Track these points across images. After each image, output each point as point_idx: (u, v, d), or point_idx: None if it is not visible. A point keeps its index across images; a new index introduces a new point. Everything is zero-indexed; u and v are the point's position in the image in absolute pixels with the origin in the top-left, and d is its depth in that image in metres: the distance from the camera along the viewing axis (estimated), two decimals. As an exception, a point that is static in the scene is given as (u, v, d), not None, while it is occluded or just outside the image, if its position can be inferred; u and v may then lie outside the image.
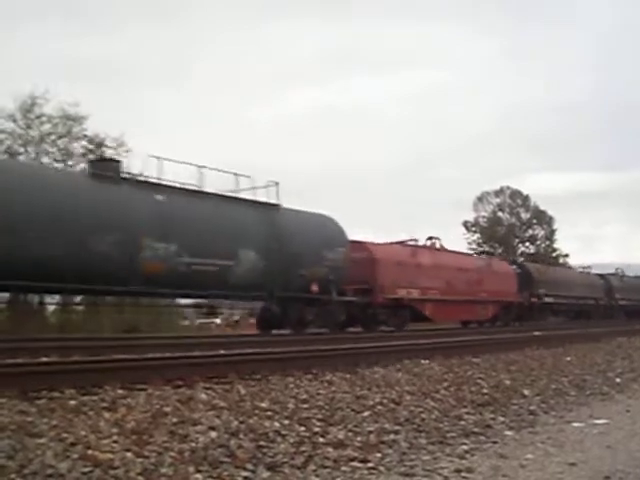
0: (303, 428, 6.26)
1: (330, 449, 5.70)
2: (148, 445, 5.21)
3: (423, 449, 6.09)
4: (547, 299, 42.38)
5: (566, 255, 71.70)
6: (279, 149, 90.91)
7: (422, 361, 12.28)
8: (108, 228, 19.14)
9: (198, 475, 4.75)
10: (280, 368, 10.14)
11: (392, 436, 6.37)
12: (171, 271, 20.52)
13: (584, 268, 54.64)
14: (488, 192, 72.09)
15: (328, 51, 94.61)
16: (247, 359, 11.16)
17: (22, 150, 32.99)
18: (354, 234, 28.24)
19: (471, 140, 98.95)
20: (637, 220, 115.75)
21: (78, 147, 34.49)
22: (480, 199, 71.90)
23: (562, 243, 79.04)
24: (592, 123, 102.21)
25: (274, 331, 24.37)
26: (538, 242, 72.80)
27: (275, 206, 24.76)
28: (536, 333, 24.43)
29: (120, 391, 7.57)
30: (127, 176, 21.05)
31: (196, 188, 22.29)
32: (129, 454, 4.95)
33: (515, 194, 72.42)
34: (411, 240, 32.23)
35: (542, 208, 72.45)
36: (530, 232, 73.30)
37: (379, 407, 7.58)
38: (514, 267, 41.76)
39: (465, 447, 6.27)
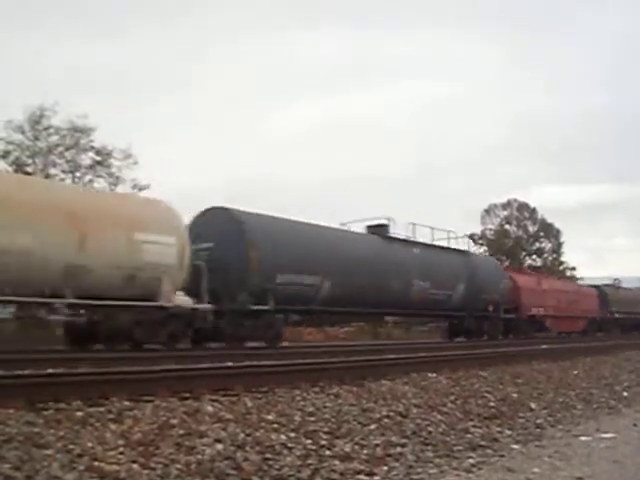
0: (309, 441, 6.25)
1: (337, 462, 5.69)
2: (154, 457, 5.22)
3: (430, 462, 6.08)
4: (617, 315, 52.18)
5: (573, 268, 71.60)
6: (283, 160, 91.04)
7: (429, 374, 12.25)
8: (393, 271, 29.17)
9: (204, 487, 4.75)
10: (287, 380, 10.12)
11: (399, 449, 6.36)
12: (425, 299, 31.28)
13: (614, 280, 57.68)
14: (495, 205, 72.10)
15: (334, 62, 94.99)
16: (254, 371, 11.16)
17: (30, 161, 33.11)
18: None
19: (478, 152, 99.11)
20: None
21: (86, 159, 34.62)
22: (487, 212, 71.88)
23: (570, 256, 78.90)
24: (600, 135, 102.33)
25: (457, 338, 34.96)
26: (545, 255, 72.69)
27: (467, 252, 36.48)
28: (543, 346, 24.37)
29: (126, 403, 7.57)
30: (394, 236, 30.80)
31: (429, 242, 32.76)
32: (135, 466, 4.96)
33: (522, 207, 72.35)
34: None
35: (549, 221, 72.42)
36: (537, 245, 73.20)
37: (386, 420, 7.56)
38: (595, 290, 51.01)
39: (472, 460, 6.26)
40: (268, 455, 5.64)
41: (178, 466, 5.07)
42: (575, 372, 14.72)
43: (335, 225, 29.04)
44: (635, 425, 8.85)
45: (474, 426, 7.82)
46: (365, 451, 6.12)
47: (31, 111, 32.80)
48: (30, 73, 62.99)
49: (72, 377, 9.38)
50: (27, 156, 33.10)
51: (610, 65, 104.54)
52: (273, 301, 22.43)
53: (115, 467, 4.89)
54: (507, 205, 72.36)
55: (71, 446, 5.30)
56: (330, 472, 5.44)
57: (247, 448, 5.76)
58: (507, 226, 72.45)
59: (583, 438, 7.71)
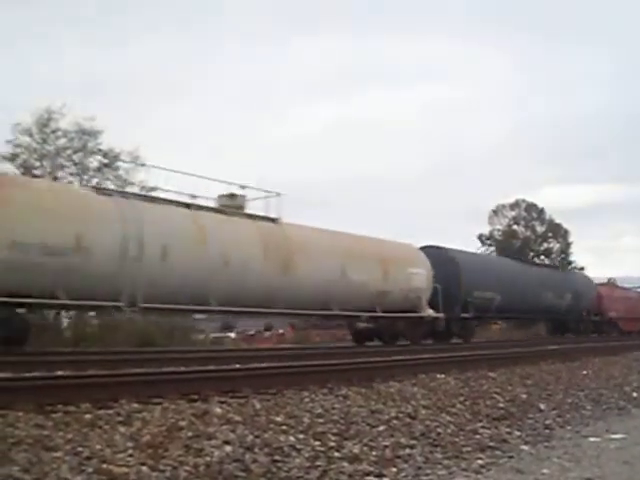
0: (318, 442, 6.24)
1: (345, 463, 5.68)
2: (163, 459, 5.22)
3: (439, 464, 6.07)
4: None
5: (582, 268, 71.40)
6: (293, 162, 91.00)
7: (438, 375, 12.23)
8: (535, 286, 38.33)
9: (213, 489, 4.75)
10: (295, 382, 10.12)
11: (408, 450, 6.36)
12: (551, 305, 40.50)
13: None
14: (504, 205, 71.97)
15: (343, 65, 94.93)
16: (262, 373, 11.16)
17: (38, 164, 33.18)
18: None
19: (486, 153, 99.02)
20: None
21: (93, 161, 34.67)
22: (495, 212, 71.74)
23: (578, 256, 78.67)
24: (608, 135, 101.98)
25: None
26: (553, 255, 72.50)
27: (571, 270, 48.90)
28: (552, 347, 24.32)
29: (135, 405, 7.57)
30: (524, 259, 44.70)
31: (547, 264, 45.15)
32: (144, 468, 4.96)
33: (530, 207, 72.20)
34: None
35: (557, 221, 72.26)
36: (545, 245, 73.04)
37: (394, 421, 7.56)
38: None
39: (481, 462, 6.25)
40: (277, 457, 5.64)
41: (187, 468, 5.07)
42: (584, 372, 14.69)
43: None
44: (645, 426, 8.82)
45: (483, 427, 7.81)
46: (374, 452, 6.11)
47: (39, 114, 32.87)
48: (38, 76, 63.08)
49: (81, 379, 9.40)
50: (35, 159, 33.13)
51: (615, 63, 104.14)
52: (472, 310, 31.92)
53: (124, 469, 4.89)
54: (515, 205, 72.23)
55: (80, 448, 5.31)
56: (339, 474, 5.43)
57: (256, 450, 5.76)
58: (515, 226, 72.30)
59: (592, 439, 7.69)
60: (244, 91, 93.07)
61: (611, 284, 56.58)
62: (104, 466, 4.91)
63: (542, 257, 71.01)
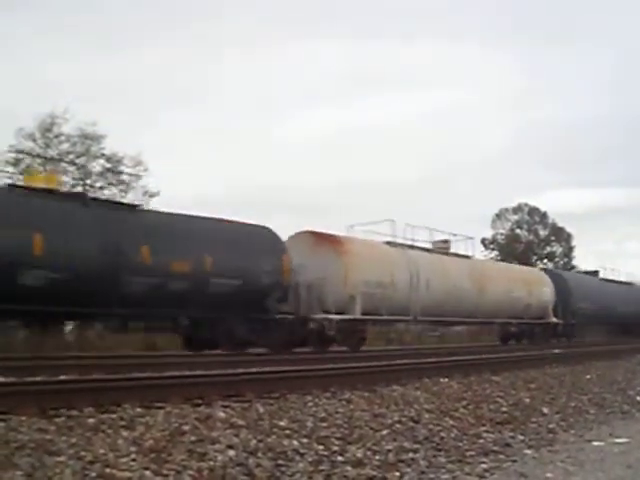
0: (322, 447, 6.24)
1: (349, 468, 5.68)
2: (166, 463, 5.21)
3: (442, 468, 6.06)
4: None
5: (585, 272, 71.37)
6: (297, 166, 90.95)
7: (441, 379, 12.23)
8: (614, 300, 45.91)
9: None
10: (299, 386, 10.12)
11: (411, 455, 6.34)
12: (620, 313, 46.55)
13: None
14: (506, 209, 71.97)
15: (345, 70, 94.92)
16: (265, 377, 11.16)
17: (41, 169, 33.23)
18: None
19: (488, 157, 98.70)
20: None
21: (96, 166, 34.76)
22: (498, 216, 71.75)
23: (581, 260, 78.62)
24: (611, 139, 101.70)
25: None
26: (556, 259, 72.49)
27: (629, 283, 51.59)
28: (556, 351, 24.31)
29: (138, 409, 7.57)
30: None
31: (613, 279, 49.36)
32: (147, 472, 4.96)
33: (533, 211, 72.20)
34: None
35: (560, 225, 72.27)
36: (548, 249, 73.04)
37: (398, 425, 7.55)
38: None
39: (484, 466, 6.23)
40: (280, 461, 5.63)
41: (190, 472, 5.07)
42: (588, 376, 14.67)
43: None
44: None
45: (486, 431, 7.79)
46: (377, 457, 6.10)
47: (42, 119, 32.97)
48: (40, 81, 63.15)
49: (84, 384, 9.41)
50: (38, 164, 33.23)
51: (618, 67, 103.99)
52: (577, 317, 40.38)
53: (127, 474, 4.89)
54: (518, 209, 72.25)
55: (83, 453, 5.31)
56: (342, 478, 5.42)
57: (259, 454, 5.75)
58: (518, 230, 72.32)
59: (596, 443, 7.67)
60: (244, 96, 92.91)
61: None
62: (107, 470, 4.91)
63: (545, 261, 71.01)
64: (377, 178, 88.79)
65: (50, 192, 19.22)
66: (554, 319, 38.57)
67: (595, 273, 50.59)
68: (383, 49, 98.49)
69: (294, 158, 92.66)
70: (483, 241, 70.41)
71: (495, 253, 69.34)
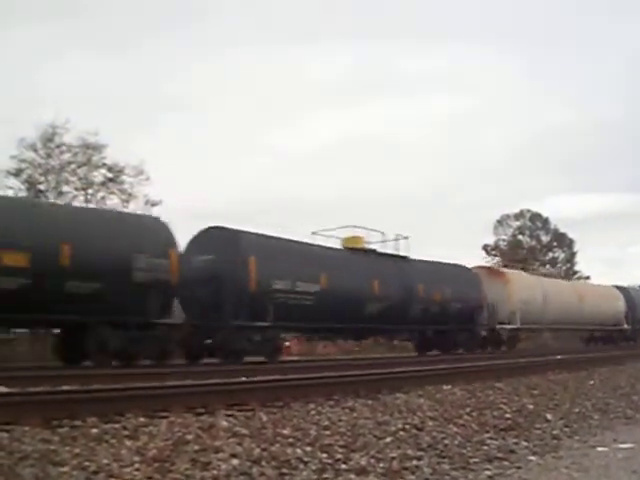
0: (325, 455, 6.23)
1: (353, 476, 5.67)
2: (170, 473, 5.21)
3: (446, 475, 6.05)
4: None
5: (587, 277, 71.32)
6: (299, 174, 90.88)
7: (444, 386, 12.21)
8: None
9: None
10: (302, 395, 10.11)
11: (415, 462, 6.34)
12: None
13: None
14: (508, 215, 71.93)
15: (349, 76, 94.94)
16: (268, 386, 11.15)
17: (42, 179, 33.28)
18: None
19: (490, 164, 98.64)
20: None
21: (98, 175, 34.78)
22: (500, 222, 71.71)
23: (586, 265, 78.59)
24: (612, 144, 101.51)
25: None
26: (559, 265, 72.45)
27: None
28: (559, 357, 24.27)
29: (142, 419, 7.57)
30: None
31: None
32: (151, 482, 4.95)
33: (535, 217, 72.16)
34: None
35: (562, 231, 72.24)
36: (550, 255, 72.99)
37: (401, 433, 7.54)
38: None
39: (489, 472, 6.23)
40: (284, 470, 5.63)
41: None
42: (591, 382, 14.65)
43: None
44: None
45: (490, 438, 7.78)
46: (381, 464, 6.09)
47: (43, 129, 32.99)
48: (41, 91, 63.29)
49: (87, 394, 9.40)
50: (40, 174, 33.27)
51: (623, 75, 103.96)
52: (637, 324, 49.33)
53: (131, 484, 4.89)
54: (520, 215, 72.19)
55: (87, 463, 5.30)
56: (346, 486, 5.42)
57: (263, 463, 5.74)
58: (520, 236, 72.27)
59: (600, 449, 7.66)
60: (245, 102, 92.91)
61: None
62: (111, 480, 4.91)
63: (547, 266, 70.97)
64: (377, 185, 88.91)
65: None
66: (625, 326, 49.15)
67: None
68: (381, 56, 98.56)
69: (296, 166, 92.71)
70: (485, 247, 70.42)
71: (497, 259, 69.27)
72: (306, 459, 6.01)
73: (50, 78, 67.52)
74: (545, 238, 72.80)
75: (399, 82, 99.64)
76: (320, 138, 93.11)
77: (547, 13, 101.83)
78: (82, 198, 33.75)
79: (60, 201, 32.41)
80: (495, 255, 70.28)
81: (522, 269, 40.92)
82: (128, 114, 72.43)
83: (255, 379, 12.55)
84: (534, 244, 72.23)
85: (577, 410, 10.41)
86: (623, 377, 16.37)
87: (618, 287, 52.14)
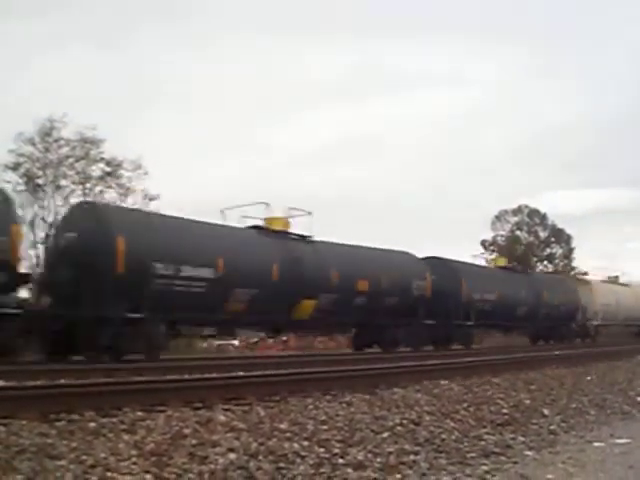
0: (322, 449, 6.24)
1: (350, 470, 5.68)
2: (167, 467, 5.22)
3: (443, 470, 6.06)
4: None
5: (585, 273, 71.34)
6: (296, 173, 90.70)
7: (441, 382, 12.23)
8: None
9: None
10: (299, 389, 10.12)
11: (412, 457, 6.34)
12: None
13: None
14: (506, 211, 71.88)
15: (347, 73, 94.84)
16: (266, 381, 11.15)
17: (40, 173, 33.23)
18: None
19: (488, 159, 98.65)
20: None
21: (96, 170, 34.73)
22: (498, 218, 71.66)
23: (583, 261, 78.58)
24: (611, 140, 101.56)
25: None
26: (556, 260, 72.46)
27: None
28: (556, 352, 24.31)
29: (139, 413, 7.57)
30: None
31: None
32: (148, 476, 4.96)
33: (533, 213, 72.13)
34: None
35: (560, 226, 72.23)
36: (548, 251, 72.97)
37: (398, 428, 7.55)
38: None
39: (485, 467, 6.23)
40: (281, 464, 5.63)
41: (191, 476, 5.07)
42: (588, 378, 14.67)
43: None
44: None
45: (487, 433, 7.79)
46: (378, 459, 6.10)
47: (41, 123, 32.93)
48: (39, 84, 63.21)
49: (85, 388, 9.40)
50: (38, 168, 33.20)
51: (623, 71, 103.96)
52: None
53: (128, 478, 4.90)
54: (518, 211, 72.13)
55: (84, 457, 5.31)
56: (343, 480, 5.43)
57: (260, 457, 5.75)
58: (518, 232, 72.24)
59: (597, 444, 7.67)
60: (244, 98, 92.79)
61: None
62: (108, 474, 4.91)
63: (545, 262, 71.02)
64: (376, 181, 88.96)
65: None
66: None
67: None
68: (381, 55, 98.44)
69: (296, 165, 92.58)
70: (483, 243, 70.41)
71: (495, 255, 69.26)
72: (303, 453, 6.02)
73: (47, 72, 67.39)
74: (543, 234, 72.77)
75: (399, 81, 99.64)
76: (320, 137, 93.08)
77: (547, 11, 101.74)
78: (80, 192, 33.71)
79: (58, 195, 32.40)
80: (493, 251, 70.29)
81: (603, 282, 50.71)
82: (126, 109, 72.36)
83: (252, 373, 12.55)
84: (532, 240, 72.18)
85: (574, 405, 10.42)
86: (620, 372, 16.39)
87: None
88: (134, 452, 5.58)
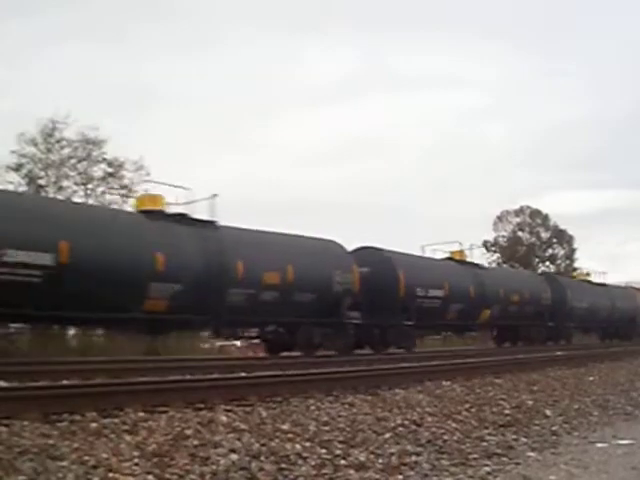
0: (324, 450, 6.23)
1: (352, 471, 5.67)
2: (169, 468, 5.21)
3: (445, 471, 6.06)
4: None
5: (587, 274, 71.31)
6: (296, 173, 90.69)
7: (443, 382, 12.21)
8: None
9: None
10: (301, 390, 10.10)
11: (414, 458, 6.34)
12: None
13: None
14: (508, 211, 71.80)
15: (349, 72, 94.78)
16: (268, 381, 11.13)
17: (42, 174, 33.25)
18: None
19: (490, 160, 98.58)
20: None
21: (98, 170, 34.75)
22: (500, 218, 71.61)
23: (586, 262, 78.48)
24: (613, 141, 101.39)
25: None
26: (558, 261, 72.41)
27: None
28: (558, 353, 24.29)
29: (141, 414, 7.56)
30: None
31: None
32: (150, 477, 4.96)
33: (535, 213, 72.07)
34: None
35: (562, 227, 72.18)
36: (550, 251, 72.92)
37: (400, 429, 7.54)
38: None
39: (487, 468, 6.23)
40: (283, 465, 5.63)
41: (193, 477, 5.07)
42: (590, 378, 14.66)
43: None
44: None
45: (489, 434, 7.79)
46: (380, 460, 6.10)
47: (43, 124, 32.96)
48: (41, 85, 63.23)
49: (86, 388, 9.39)
50: (40, 169, 33.23)
51: (625, 72, 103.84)
52: None
53: (130, 478, 4.89)
54: (519, 212, 72.06)
55: (86, 457, 5.30)
56: (345, 481, 5.42)
57: (262, 458, 5.75)
58: (520, 233, 72.18)
59: (600, 445, 7.66)
60: (245, 97, 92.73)
61: None
62: (110, 475, 4.91)
63: (547, 263, 70.98)
64: (376, 182, 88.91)
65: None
66: None
67: None
68: (381, 55, 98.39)
69: (297, 165, 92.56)
70: (485, 244, 70.35)
71: (497, 256, 69.23)
72: (305, 454, 6.01)
73: (47, 73, 67.41)
74: (545, 235, 72.70)
75: (400, 80, 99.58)
76: (320, 137, 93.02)
77: (549, 9, 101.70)
78: (82, 193, 33.74)
79: (60, 196, 32.41)
80: (495, 251, 70.26)
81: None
82: (126, 109, 72.37)
83: (255, 374, 12.53)
84: (534, 240, 72.12)
85: (576, 406, 10.41)
86: (622, 373, 16.40)
87: None
88: (136, 453, 5.57)
